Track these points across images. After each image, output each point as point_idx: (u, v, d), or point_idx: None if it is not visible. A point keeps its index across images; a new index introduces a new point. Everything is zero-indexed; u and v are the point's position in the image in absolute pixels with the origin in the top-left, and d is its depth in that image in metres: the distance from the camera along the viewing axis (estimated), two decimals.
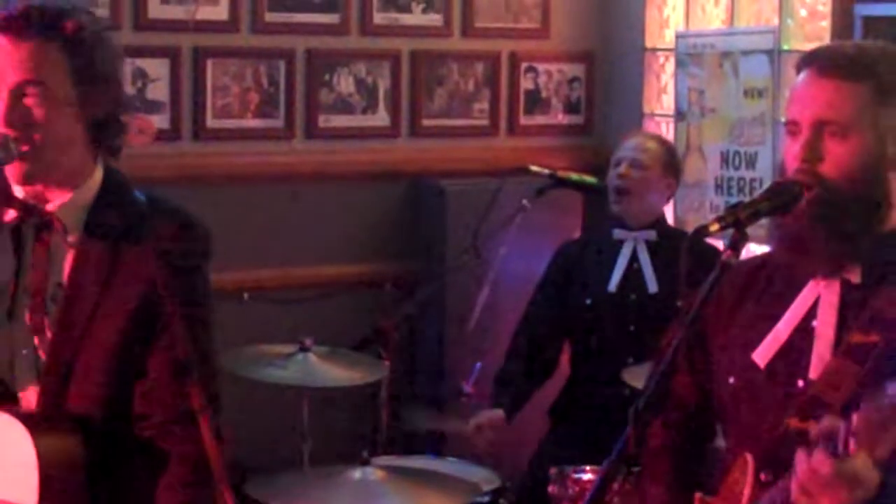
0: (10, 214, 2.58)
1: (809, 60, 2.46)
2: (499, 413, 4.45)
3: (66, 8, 2.55)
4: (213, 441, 2.35)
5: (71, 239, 2.57)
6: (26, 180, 2.54)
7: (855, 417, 2.06)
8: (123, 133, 2.65)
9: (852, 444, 2.06)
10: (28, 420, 2.48)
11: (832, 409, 2.31)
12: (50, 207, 2.57)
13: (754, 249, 3.00)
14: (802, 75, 2.45)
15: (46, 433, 2.48)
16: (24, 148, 2.49)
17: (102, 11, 4.86)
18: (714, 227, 2.31)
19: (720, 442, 2.70)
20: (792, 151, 2.41)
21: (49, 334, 2.55)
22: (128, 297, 2.54)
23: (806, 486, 2.15)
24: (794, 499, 2.18)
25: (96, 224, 2.58)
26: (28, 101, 2.49)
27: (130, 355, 2.55)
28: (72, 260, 2.56)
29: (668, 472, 2.67)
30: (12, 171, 2.52)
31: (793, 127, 2.43)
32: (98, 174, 2.62)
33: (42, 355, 2.56)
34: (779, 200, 2.38)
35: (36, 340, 2.56)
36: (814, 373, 2.40)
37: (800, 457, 2.15)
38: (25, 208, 2.57)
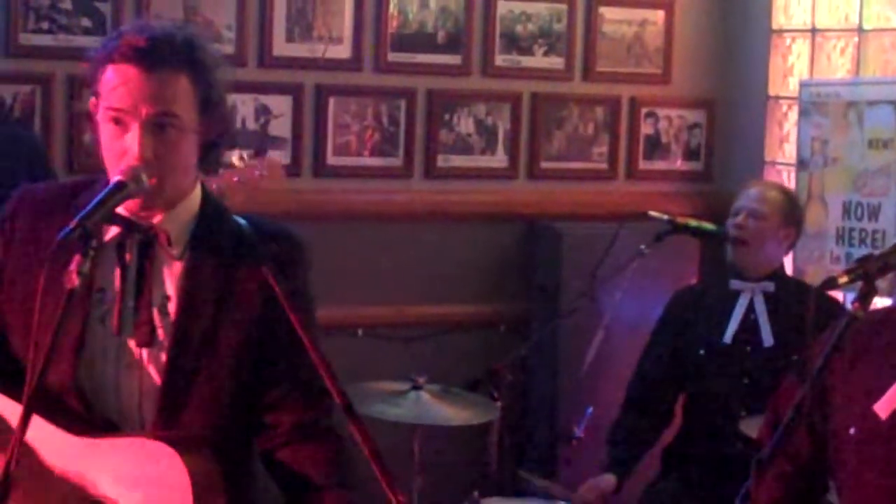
0: (112, 231, 2.57)
1: None
2: (610, 480, 4.39)
3: (193, 37, 2.56)
4: (363, 428, 2.36)
5: (175, 251, 2.57)
6: (146, 209, 2.54)
7: None
8: (222, 154, 2.71)
9: None
10: (174, 444, 2.46)
11: None
12: (155, 221, 2.57)
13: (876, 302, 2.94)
14: None
15: (191, 454, 2.46)
16: (153, 181, 2.49)
17: (228, 48, 4.94)
18: (843, 280, 2.28)
19: (832, 497, 2.66)
20: None
21: (163, 349, 2.54)
22: (245, 314, 2.55)
23: None
24: None
25: (202, 238, 2.59)
26: (162, 133, 2.49)
27: (249, 371, 2.56)
28: (181, 272, 2.57)
29: None
30: (140, 198, 2.52)
31: None
32: (198, 191, 2.63)
33: (153, 371, 2.55)
34: None
35: (146, 356, 2.56)
36: None
37: None
38: (128, 224, 2.56)
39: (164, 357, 2.55)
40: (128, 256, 2.57)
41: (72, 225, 2.35)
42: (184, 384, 2.54)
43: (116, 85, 2.49)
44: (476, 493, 3.66)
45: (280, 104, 5.09)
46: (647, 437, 4.54)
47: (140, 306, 2.55)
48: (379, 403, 4.17)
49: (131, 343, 2.56)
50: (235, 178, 3.78)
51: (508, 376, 4.37)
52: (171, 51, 2.51)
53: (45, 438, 2.53)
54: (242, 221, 2.63)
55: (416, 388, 4.22)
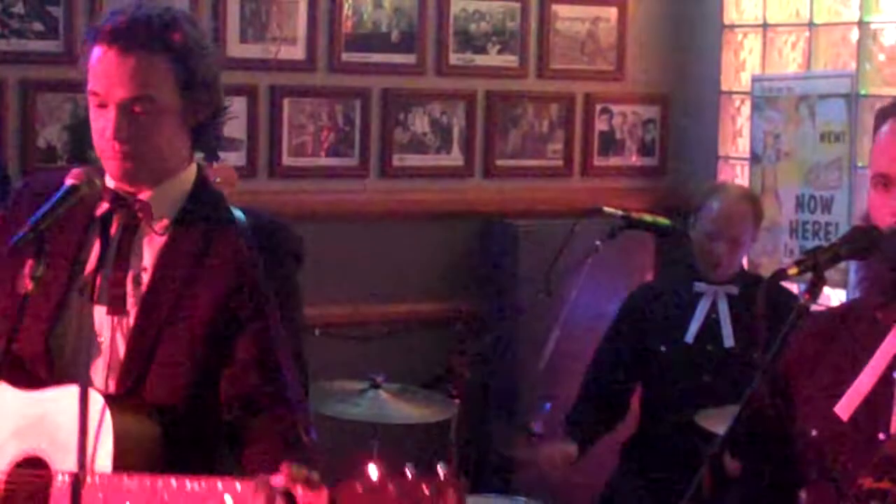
0: (103, 207, 2.60)
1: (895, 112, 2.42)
2: (571, 446, 4.42)
3: (171, 18, 2.56)
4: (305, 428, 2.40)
5: (158, 227, 2.59)
6: (127, 181, 2.57)
7: None
8: (220, 136, 2.69)
9: None
10: (108, 398, 2.48)
11: None
12: (141, 197, 2.59)
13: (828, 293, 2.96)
14: (888, 127, 2.41)
15: (121, 406, 2.48)
16: (129, 164, 2.52)
17: None
18: (793, 271, 2.28)
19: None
20: (885, 205, 2.37)
21: (130, 318, 2.56)
22: (216, 286, 2.55)
23: None
24: None
25: (188, 217, 2.60)
26: (137, 115, 2.51)
27: (215, 343, 2.55)
28: (162, 246, 2.58)
29: None
30: (113, 170, 2.56)
31: (884, 180, 2.38)
32: (192, 171, 2.64)
33: (121, 341, 2.56)
34: (858, 245, 2.35)
35: (112, 326, 2.56)
36: (895, 426, 2.36)
37: None
38: (117, 198, 2.59)
39: (127, 329, 2.56)
40: (113, 230, 2.59)
41: (24, 230, 2.39)
42: (146, 354, 2.55)
43: (97, 67, 2.53)
44: None
45: (234, 105, 5.05)
46: (601, 427, 4.57)
47: (116, 277, 2.57)
48: (337, 403, 4.18)
49: (102, 310, 2.57)
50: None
51: (466, 373, 4.38)
52: (148, 32, 2.52)
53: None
54: (238, 212, 2.64)
55: (375, 386, 4.23)
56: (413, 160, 5.37)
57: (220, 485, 2.32)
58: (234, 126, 5.05)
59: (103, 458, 2.44)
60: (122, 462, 2.43)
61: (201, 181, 2.66)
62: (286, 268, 2.64)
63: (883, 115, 2.44)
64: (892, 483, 2.28)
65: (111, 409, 2.44)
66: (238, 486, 2.31)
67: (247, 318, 2.55)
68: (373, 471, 2.06)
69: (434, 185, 5.40)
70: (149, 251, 2.59)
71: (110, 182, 2.59)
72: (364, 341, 5.14)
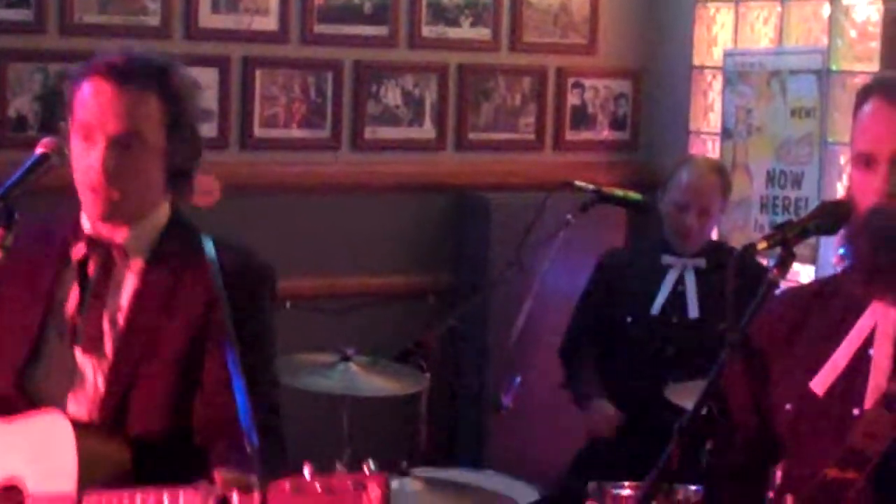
0: (79, 250, 2.64)
1: (880, 89, 2.40)
2: (610, 408, 4.48)
3: (168, 63, 2.62)
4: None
5: (133, 266, 2.63)
6: (106, 218, 2.60)
7: None
8: (193, 180, 2.71)
9: None
10: (77, 424, 2.52)
11: (870, 459, 2.29)
12: (118, 240, 2.63)
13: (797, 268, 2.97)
14: (872, 105, 2.39)
15: (91, 431, 2.52)
16: (115, 195, 2.55)
17: (153, 20, 4.91)
18: (762, 245, 2.29)
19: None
20: (869, 185, 2.35)
21: (108, 357, 2.59)
22: (186, 321, 2.59)
23: None
24: None
25: (161, 255, 2.64)
26: (125, 151, 2.55)
27: (189, 375, 2.59)
28: (135, 287, 2.62)
29: (733, 496, 2.63)
30: (94, 206, 2.58)
31: (866, 159, 2.36)
32: (165, 210, 2.68)
33: (100, 380, 2.60)
34: (827, 220, 2.36)
35: (92, 366, 2.61)
36: (869, 402, 2.36)
37: None
38: (92, 242, 2.63)
39: (106, 368, 2.60)
40: (90, 272, 2.63)
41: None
42: (125, 391, 2.59)
43: (89, 99, 2.56)
44: (405, 464, 3.66)
45: (206, 77, 5.04)
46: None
47: (92, 319, 2.61)
48: (308, 375, 4.17)
49: (79, 351, 2.62)
50: None
51: (437, 347, 4.38)
52: (145, 71, 2.57)
53: None
54: (209, 243, 2.66)
55: (345, 359, 4.22)
56: (385, 132, 5.36)
57: (166, 497, 2.34)
58: (206, 97, 5.04)
59: (66, 482, 2.46)
60: (87, 485, 2.45)
61: (175, 218, 2.70)
62: (259, 295, 2.67)
63: (864, 94, 2.42)
64: (858, 472, 2.29)
65: (78, 433, 2.48)
66: (181, 495, 2.33)
67: (212, 349, 2.57)
68: (305, 470, 2.11)
69: (406, 158, 5.39)
70: (125, 292, 2.63)
71: (86, 225, 2.63)
72: (335, 314, 5.14)
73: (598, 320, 4.63)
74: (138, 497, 2.37)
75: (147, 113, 2.56)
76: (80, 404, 2.61)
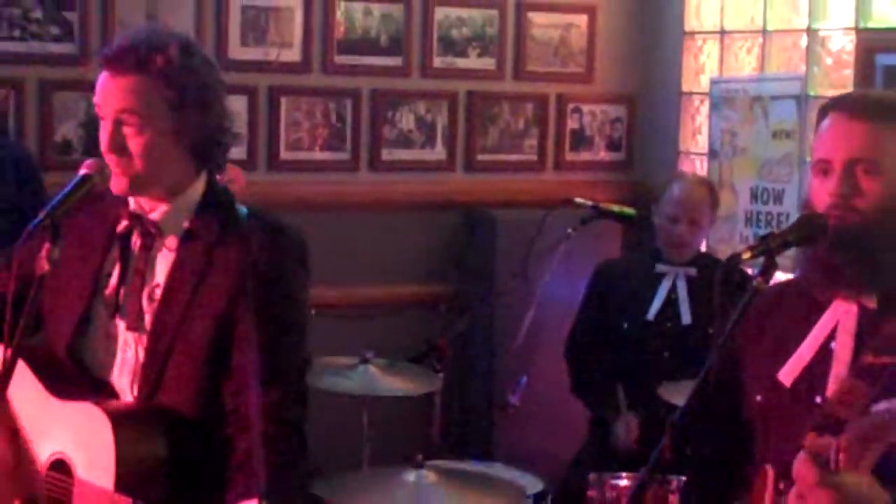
0: (122, 225, 2.62)
1: (837, 105, 2.42)
2: (630, 419, 4.43)
3: (160, 44, 2.54)
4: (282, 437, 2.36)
5: (169, 243, 2.58)
6: (127, 193, 2.58)
7: (843, 435, 2.03)
8: (226, 151, 2.66)
9: (842, 459, 2.03)
10: (114, 414, 2.49)
11: (843, 424, 2.28)
12: (154, 216, 2.60)
13: (780, 277, 2.96)
14: (830, 119, 2.40)
15: (128, 427, 2.48)
16: (127, 169, 2.53)
17: None
18: (747, 255, 2.29)
19: None
20: (824, 188, 2.36)
21: (147, 331, 2.56)
22: (217, 299, 2.53)
23: (800, 492, 2.12)
24: (789, 502, 2.15)
25: (197, 230, 2.58)
26: (125, 129, 2.53)
27: (219, 356, 2.53)
28: (171, 262, 2.57)
29: (709, 486, 2.64)
30: (117, 185, 2.56)
31: (824, 166, 2.38)
32: (199, 186, 2.62)
33: (141, 351, 2.56)
34: (806, 232, 2.35)
35: (134, 339, 2.57)
36: (831, 392, 2.36)
37: (797, 466, 2.12)
38: (133, 217, 2.61)
39: (145, 340, 2.56)
40: (134, 247, 2.61)
41: (41, 216, 2.40)
42: (160, 365, 2.54)
43: (98, 86, 2.57)
44: (420, 457, 3.66)
45: (235, 104, 5.06)
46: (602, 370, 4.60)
47: (133, 294, 2.58)
48: (330, 377, 4.18)
49: (122, 325, 2.59)
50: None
51: (449, 351, 4.38)
52: (135, 57, 2.52)
53: (25, 390, 2.58)
54: (244, 211, 2.62)
55: (365, 362, 4.23)
56: (400, 155, 5.37)
57: None
58: (236, 123, 5.05)
59: (105, 478, 2.45)
60: (124, 480, 2.43)
61: (210, 193, 2.63)
62: (289, 271, 2.61)
63: (824, 110, 2.44)
64: (834, 437, 2.30)
65: (117, 429, 2.45)
66: None
67: (241, 333, 2.51)
68: None
69: (419, 178, 5.40)
70: (161, 267, 2.59)
71: (131, 202, 2.62)
72: (355, 321, 5.14)
73: (596, 325, 4.62)
74: None
75: (143, 95, 2.51)
76: (124, 375, 2.58)
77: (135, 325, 2.57)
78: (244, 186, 3.99)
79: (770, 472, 2.36)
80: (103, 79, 2.56)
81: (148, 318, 2.56)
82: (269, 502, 2.19)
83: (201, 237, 2.57)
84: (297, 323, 2.62)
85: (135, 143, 2.53)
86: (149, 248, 2.59)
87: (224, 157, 2.67)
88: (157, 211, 2.60)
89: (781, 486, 2.33)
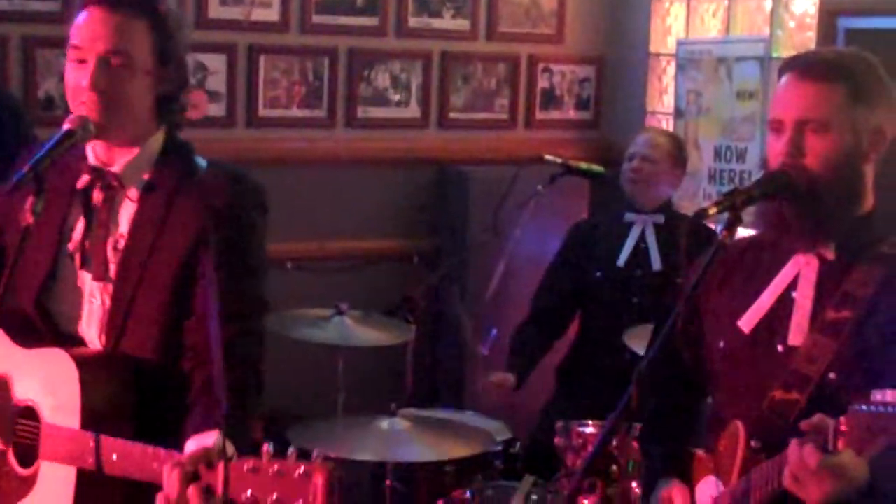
0: (83, 179, 2.57)
1: (791, 65, 2.42)
2: (509, 376, 4.41)
3: None
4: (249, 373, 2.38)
5: (131, 194, 2.54)
6: (98, 134, 2.51)
7: (843, 419, 2.02)
8: (184, 111, 2.62)
9: (841, 443, 2.03)
10: (80, 357, 2.47)
11: (811, 380, 2.31)
12: (115, 169, 2.55)
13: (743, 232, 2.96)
14: (785, 78, 2.41)
15: (93, 369, 2.46)
16: (101, 115, 2.46)
17: None
18: (712, 211, 2.29)
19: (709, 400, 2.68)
20: (776, 147, 2.38)
21: (112, 281, 2.53)
22: (179, 244, 2.49)
23: (796, 475, 2.12)
24: (785, 484, 2.15)
25: (157, 181, 2.55)
26: (113, 68, 2.46)
27: (182, 299, 2.50)
28: (133, 212, 2.54)
29: (668, 430, 2.65)
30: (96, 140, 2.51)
31: (777, 125, 2.39)
32: (160, 138, 2.58)
33: (106, 300, 2.54)
34: (769, 188, 2.35)
35: (100, 289, 2.54)
36: (792, 339, 2.38)
37: (792, 447, 2.12)
38: (95, 171, 2.56)
39: (110, 289, 2.53)
40: (95, 199, 2.56)
41: (24, 169, 2.37)
42: (125, 311, 2.51)
43: (82, 25, 2.48)
44: (393, 405, 3.66)
45: (215, 62, 5.02)
46: (541, 348, 4.56)
47: (98, 245, 2.54)
48: (306, 328, 4.17)
49: (88, 277, 2.56)
50: None
51: (422, 303, 4.37)
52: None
53: None
54: (203, 163, 2.58)
55: (340, 313, 4.21)
56: (375, 112, 5.33)
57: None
58: (215, 81, 5.02)
59: (71, 419, 2.44)
60: (90, 421, 2.42)
61: (170, 146, 2.59)
62: (249, 216, 2.56)
63: (782, 70, 2.44)
64: (800, 394, 2.31)
65: (82, 371, 2.44)
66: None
67: (203, 274, 2.48)
68: (265, 451, 2.10)
69: (394, 135, 5.37)
70: (124, 218, 2.54)
71: (90, 156, 2.55)
72: (331, 274, 5.14)
73: (567, 280, 4.59)
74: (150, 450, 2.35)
75: (135, 36, 2.47)
76: (91, 325, 2.55)
77: (101, 275, 2.53)
78: (205, 112, 3.93)
79: (741, 428, 2.36)
80: (92, 15, 2.47)
81: (113, 268, 2.53)
82: (223, 432, 2.18)
83: (162, 187, 2.53)
84: (255, 266, 2.58)
85: (120, 82, 2.47)
86: (111, 200, 2.55)
87: (182, 116, 2.63)
88: (117, 163, 2.55)
89: (753, 443, 2.33)
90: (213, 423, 2.34)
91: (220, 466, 2.14)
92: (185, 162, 2.57)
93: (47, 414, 2.49)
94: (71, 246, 2.57)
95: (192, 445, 2.33)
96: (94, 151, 2.57)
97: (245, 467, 2.11)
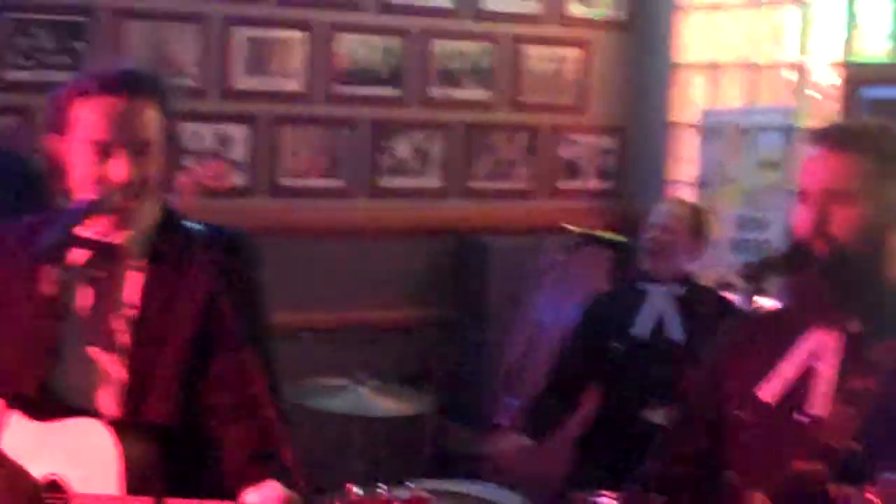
0: (82, 255, 2.53)
1: (818, 136, 2.44)
2: (525, 439, 4.34)
3: (152, 70, 2.53)
4: (281, 420, 2.36)
5: (135, 264, 2.53)
6: (121, 228, 2.49)
7: (874, 488, 2.00)
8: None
9: None
10: (113, 424, 2.45)
11: (835, 450, 2.28)
12: (117, 240, 2.53)
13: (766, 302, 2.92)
14: (811, 149, 2.42)
15: (129, 436, 2.44)
16: (132, 202, 2.45)
17: (191, 81, 4.88)
18: (736, 282, 2.27)
19: (729, 476, 2.62)
20: (802, 217, 2.38)
21: (125, 350, 2.50)
22: (192, 311, 2.49)
23: None
24: None
25: (160, 248, 2.54)
26: (141, 158, 2.45)
27: (198, 363, 2.50)
28: (143, 283, 2.52)
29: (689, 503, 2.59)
30: (111, 217, 2.48)
31: (803, 195, 2.40)
32: (156, 208, 2.57)
33: (119, 371, 2.50)
34: (792, 259, 2.36)
35: (112, 359, 2.51)
36: (815, 409, 2.36)
37: None
38: (97, 246, 2.52)
39: (125, 360, 2.50)
40: (97, 273, 2.53)
41: (55, 236, 2.35)
42: (142, 381, 2.49)
43: (97, 117, 2.42)
44: (406, 483, 3.58)
45: (239, 132, 5.02)
46: (556, 417, 4.48)
47: (104, 317, 2.52)
48: (324, 398, 4.12)
49: (97, 350, 2.52)
50: (188, 176, 3.72)
51: (440, 373, 4.32)
52: (145, 81, 2.47)
53: (6, 423, 2.52)
54: (198, 227, 2.58)
55: (358, 383, 4.16)
56: (397, 182, 5.32)
57: None
58: (238, 150, 5.01)
59: (112, 485, 2.41)
60: (131, 485, 2.40)
61: (167, 214, 2.58)
62: (252, 272, 2.59)
63: (811, 140, 2.45)
64: (824, 464, 2.27)
65: (121, 436, 2.42)
66: None
67: (220, 335, 2.48)
68: (352, 490, 2.10)
69: (415, 205, 5.36)
70: (133, 288, 2.52)
71: (86, 231, 2.50)
72: (350, 343, 5.10)
73: (580, 353, 4.52)
74: None
75: (152, 120, 2.46)
76: (107, 398, 2.51)
77: (109, 346, 2.51)
78: (228, 183, 3.92)
79: (766, 502, 2.31)
80: (110, 105, 2.42)
81: (126, 338, 2.51)
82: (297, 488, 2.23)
83: (168, 255, 2.53)
84: (266, 323, 2.61)
85: (148, 173, 2.46)
86: (114, 273, 2.53)
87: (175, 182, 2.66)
88: (118, 236, 2.52)
89: None
90: (270, 475, 2.36)
91: None
92: (184, 227, 2.57)
93: (77, 486, 2.44)
94: (75, 320, 2.53)
95: (248, 497, 2.34)
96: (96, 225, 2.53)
97: None
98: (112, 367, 2.51)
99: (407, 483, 2.11)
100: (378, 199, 5.29)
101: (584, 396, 4.57)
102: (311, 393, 4.11)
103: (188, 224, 2.59)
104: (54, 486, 2.48)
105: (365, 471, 4.20)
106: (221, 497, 2.39)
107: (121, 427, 2.45)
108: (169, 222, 2.57)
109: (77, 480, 2.45)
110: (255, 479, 2.40)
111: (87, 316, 2.53)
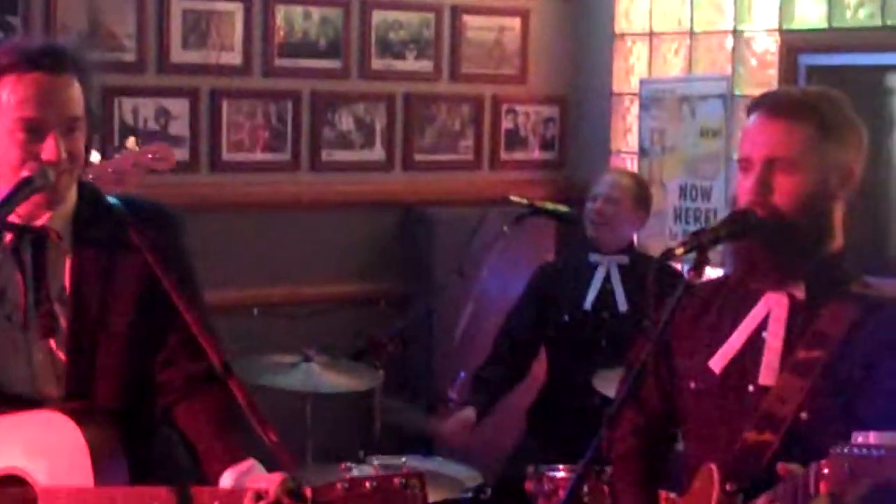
0: (7, 237, 2.48)
1: (759, 104, 2.43)
2: (470, 413, 4.37)
3: (74, 45, 2.48)
4: (242, 387, 2.36)
5: (64, 245, 2.49)
6: (49, 207, 2.45)
7: (825, 462, 1.99)
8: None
9: (822, 486, 2.00)
10: (73, 414, 2.42)
11: (783, 420, 2.29)
12: (40, 222, 2.48)
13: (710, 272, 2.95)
14: (753, 117, 2.41)
15: (89, 423, 2.41)
16: (61, 180, 2.40)
17: (129, 56, 4.83)
18: (679, 251, 2.28)
19: (679, 446, 2.66)
20: (745, 185, 2.38)
21: (64, 335, 2.47)
22: (130, 292, 2.47)
23: None
24: None
25: (83, 231, 2.50)
26: (70, 135, 2.41)
27: (142, 341, 2.49)
28: (72, 265, 2.48)
29: (638, 474, 2.62)
30: (40, 199, 2.43)
31: (745, 164, 2.39)
32: (74, 187, 2.52)
33: (60, 356, 2.47)
34: (736, 227, 2.35)
35: (52, 343, 2.48)
36: (762, 379, 2.37)
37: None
38: (20, 228, 2.48)
39: (65, 343, 2.47)
40: (24, 258, 2.48)
41: None
42: (87, 363, 2.47)
43: (26, 94, 2.37)
44: (362, 452, 3.61)
45: (178, 107, 4.98)
46: (503, 386, 4.52)
47: (40, 301, 2.47)
48: (273, 374, 4.11)
49: (36, 335, 2.48)
50: (132, 162, 3.67)
51: (389, 347, 4.33)
52: (69, 57, 2.42)
53: None
54: (116, 202, 2.54)
55: (307, 359, 4.17)
56: (340, 155, 5.30)
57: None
58: (178, 125, 4.98)
59: (85, 474, 2.38)
60: (100, 473, 2.37)
61: (83, 191, 2.54)
62: (182, 243, 2.58)
63: (751, 108, 2.45)
64: (773, 434, 2.28)
65: (83, 426, 2.39)
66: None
67: (164, 312, 2.46)
68: (342, 469, 2.14)
69: (359, 178, 5.34)
70: (63, 270, 2.48)
71: (12, 215, 2.46)
72: (297, 319, 5.09)
73: (533, 323, 4.56)
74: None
75: (78, 97, 2.41)
76: (49, 383, 2.48)
77: (49, 330, 2.47)
78: (173, 164, 3.89)
79: (715, 471, 2.33)
80: (38, 81, 2.37)
81: (63, 321, 2.47)
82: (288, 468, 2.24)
83: (93, 233, 2.49)
84: (198, 288, 2.59)
85: (76, 150, 2.42)
86: (43, 255, 2.48)
87: (90, 160, 2.61)
88: (41, 217, 2.47)
89: (729, 486, 2.30)
90: (245, 453, 2.39)
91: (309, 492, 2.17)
92: (103, 208, 2.53)
93: (42, 478, 2.40)
94: (10, 306, 2.48)
95: (229, 478, 2.34)
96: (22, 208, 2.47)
97: (339, 487, 2.12)
98: (52, 353, 2.47)
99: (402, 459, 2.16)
100: (321, 172, 5.26)
101: (532, 366, 4.62)
102: (262, 370, 4.10)
103: (108, 200, 2.55)
104: (14, 480, 2.44)
105: (316, 447, 4.21)
106: (198, 479, 2.38)
107: (79, 415, 2.41)
108: (89, 200, 2.53)
109: (42, 473, 2.40)
110: (228, 456, 2.40)
111: (21, 301, 2.47)
